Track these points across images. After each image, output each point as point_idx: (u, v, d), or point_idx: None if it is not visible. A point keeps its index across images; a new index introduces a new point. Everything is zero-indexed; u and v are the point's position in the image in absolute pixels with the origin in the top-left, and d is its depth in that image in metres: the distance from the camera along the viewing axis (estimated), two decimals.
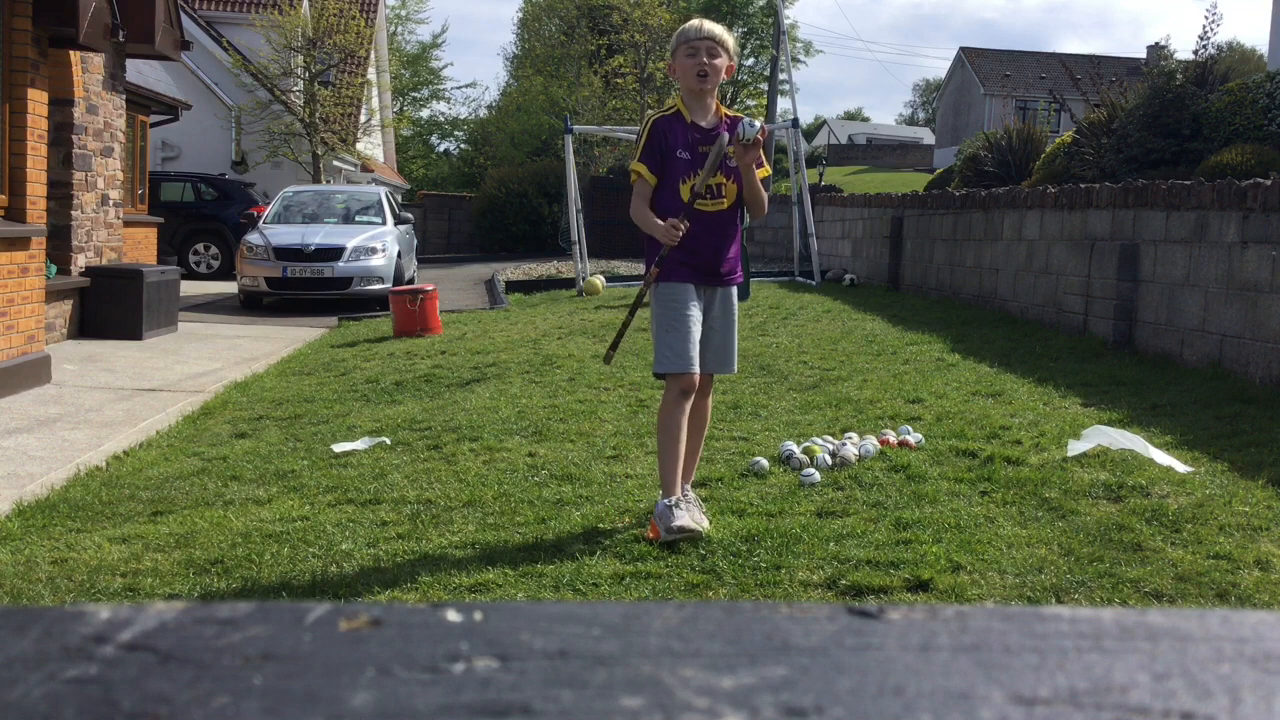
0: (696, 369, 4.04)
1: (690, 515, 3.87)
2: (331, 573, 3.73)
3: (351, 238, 14.07)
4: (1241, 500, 4.09)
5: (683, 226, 3.99)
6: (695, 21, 4.18)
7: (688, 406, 4.05)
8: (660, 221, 4.04)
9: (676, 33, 4.18)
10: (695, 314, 4.11)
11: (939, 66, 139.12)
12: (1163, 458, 4.59)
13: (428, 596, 3.49)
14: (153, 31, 10.11)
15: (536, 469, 4.97)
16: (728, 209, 4.16)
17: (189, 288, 15.13)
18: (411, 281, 14.94)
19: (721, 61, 4.08)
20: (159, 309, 10.35)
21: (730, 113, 4.21)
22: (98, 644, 0.48)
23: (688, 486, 4.17)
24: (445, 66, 68.32)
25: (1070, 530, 3.87)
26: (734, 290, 4.28)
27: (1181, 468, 4.49)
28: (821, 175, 42.63)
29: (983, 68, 52.03)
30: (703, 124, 4.12)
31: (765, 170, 4.14)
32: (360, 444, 5.60)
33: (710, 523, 4.02)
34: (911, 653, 0.48)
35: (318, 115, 23.96)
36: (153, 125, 14.32)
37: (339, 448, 5.51)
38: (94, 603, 1.52)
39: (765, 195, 4.20)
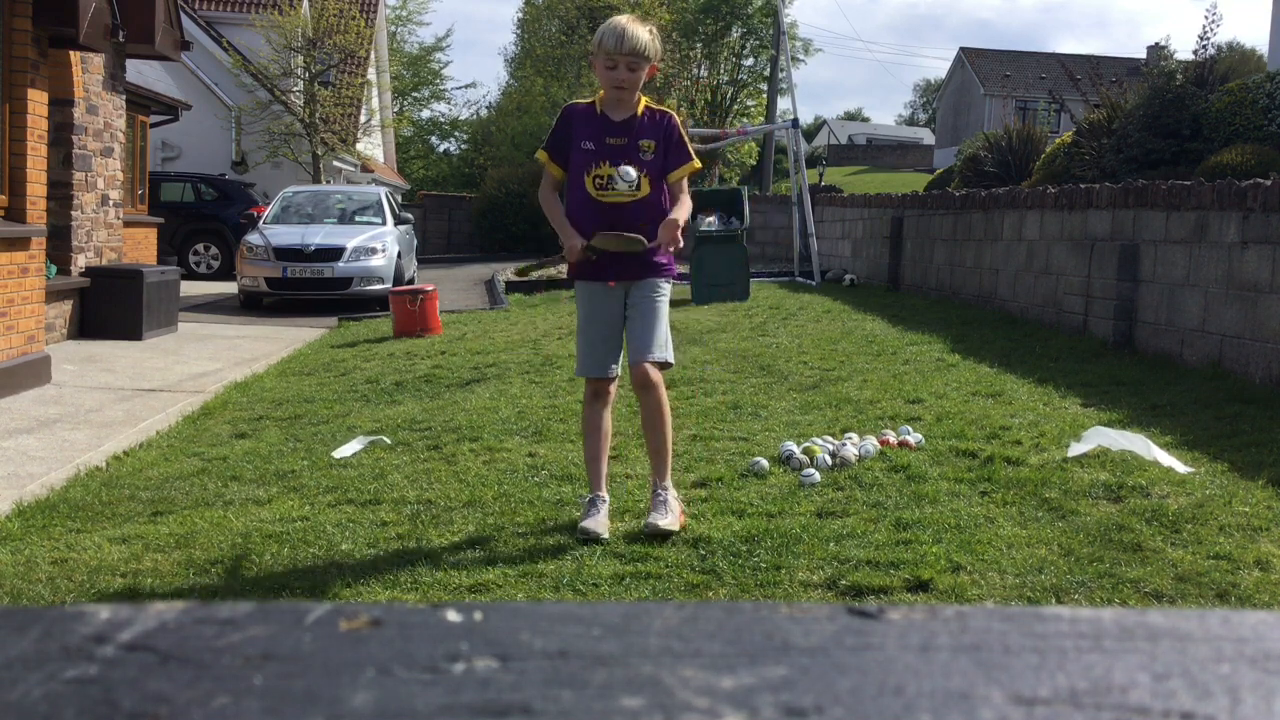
0: (604, 373, 4.20)
1: (597, 520, 3.99)
2: (331, 573, 3.73)
3: (351, 238, 14.07)
4: (1241, 500, 4.09)
5: (588, 257, 4.07)
6: (618, 28, 4.00)
7: (602, 407, 4.23)
8: (569, 227, 4.14)
9: (600, 31, 4.07)
10: (603, 315, 4.18)
11: (935, 66, 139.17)
12: (1164, 458, 4.59)
13: (428, 596, 3.49)
14: (153, 31, 10.11)
15: (536, 469, 4.97)
16: (642, 200, 4.09)
17: (189, 288, 15.13)
18: (411, 282, 14.94)
19: (641, 73, 4.04)
20: (159, 309, 10.35)
21: (655, 107, 4.20)
22: (98, 644, 0.48)
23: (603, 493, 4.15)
24: (445, 66, 68.34)
25: (1070, 530, 3.87)
26: (656, 281, 4.16)
27: (1182, 468, 4.49)
28: (821, 175, 42.68)
29: (983, 68, 52.05)
30: (614, 117, 4.11)
31: (694, 164, 4.16)
32: (357, 444, 5.60)
33: (677, 524, 4.00)
34: (911, 653, 0.48)
35: (318, 115, 23.96)
36: (153, 125, 14.32)
37: (340, 453, 5.48)
38: (94, 603, 1.52)
39: (687, 203, 4.17)
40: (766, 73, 36.44)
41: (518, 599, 3.41)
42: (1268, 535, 3.77)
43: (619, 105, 4.11)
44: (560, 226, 4.18)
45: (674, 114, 4.26)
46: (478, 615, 0.51)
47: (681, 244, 4.07)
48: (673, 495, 4.09)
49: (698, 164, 4.21)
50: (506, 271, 18.03)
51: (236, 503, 4.66)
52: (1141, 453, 4.61)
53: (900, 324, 9.19)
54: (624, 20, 4.08)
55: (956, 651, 0.48)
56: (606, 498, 4.14)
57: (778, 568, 3.60)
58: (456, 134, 47.11)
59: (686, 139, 4.20)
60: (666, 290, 4.22)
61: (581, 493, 4.53)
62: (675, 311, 7.09)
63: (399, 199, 22.34)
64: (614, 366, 4.23)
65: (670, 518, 3.96)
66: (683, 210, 4.10)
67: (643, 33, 4.04)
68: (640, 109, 4.14)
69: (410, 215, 16.62)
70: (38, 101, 7.64)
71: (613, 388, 4.27)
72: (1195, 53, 12.67)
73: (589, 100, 4.22)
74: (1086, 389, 6.26)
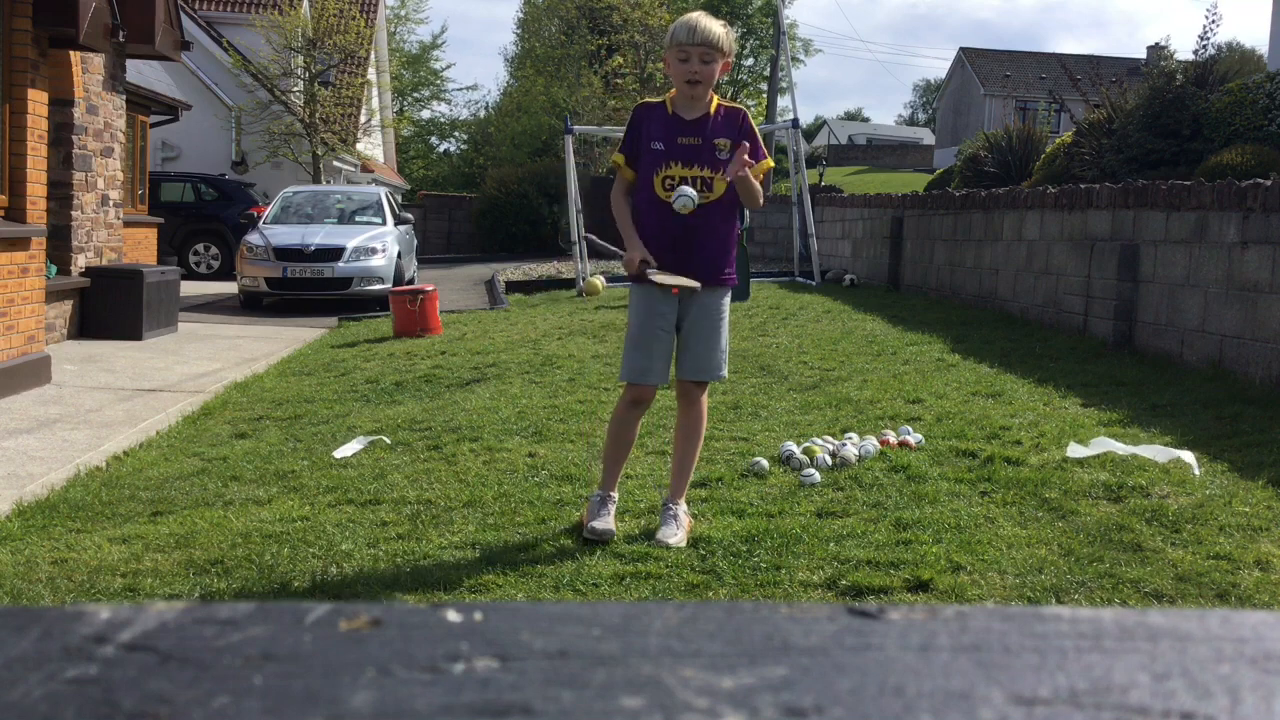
0: (651, 382, 4.09)
1: (606, 521, 3.98)
2: (331, 573, 3.73)
3: (351, 238, 14.06)
4: (1241, 500, 4.09)
5: (650, 265, 3.94)
6: (690, 20, 3.95)
7: (639, 415, 4.19)
8: (635, 237, 4.01)
9: (671, 27, 4.00)
10: (662, 324, 4.03)
11: (935, 66, 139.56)
12: (1175, 452, 4.56)
13: (428, 596, 3.49)
14: (153, 32, 10.11)
15: (536, 469, 4.97)
16: (714, 204, 3.98)
17: (189, 288, 15.13)
18: (411, 282, 14.94)
19: (715, 66, 3.93)
20: (159, 309, 10.35)
21: (727, 104, 4.07)
22: (98, 644, 0.48)
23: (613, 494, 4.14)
24: (447, 67, 68.36)
25: (1070, 530, 3.87)
26: (719, 291, 4.07)
27: (1197, 469, 4.46)
28: (821, 175, 42.63)
29: (983, 68, 52.03)
30: (685, 116, 3.99)
31: (768, 162, 4.02)
32: (358, 444, 5.60)
33: (691, 527, 3.99)
34: (911, 653, 0.48)
35: (318, 115, 23.96)
36: (153, 125, 14.32)
37: (340, 453, 5.49)
38: (94, 603, 1.51)
39: (759, 191, 4.00)
40: (766, 73, 36.46)
41: (518, 599, 3.41)
42: (1268, 535, 3.77)
43: (691, 102, 3.97)
44: (627, 234, 4.05)
45: (747, 111, 4.12)
46: (478, 615, 0.51)
47: (750, 176, 3.84)
48: (683, 510, 4.06)
49: (771, 162, 4.07)
50: (506, 271, 18.03)
51: (236, 503, 4.66)
52: (1157, 458, 4.58)
53: (900, 324, 9.19)
54: (696, 14, 4.01)
55: (956, 651, 0.48)
56: (616, 498, 4.14)
57: (778, 568, 3.60)
58: (456, 134, 47.12)
59: (759, 136, 4.06)
60: (728, 301, 4.14)
61: (582, 492, 4.53)
62: None
63: (399, 199, 22.35)
64: (664, 375, 4.11)
65: (680, 534, 3.93)
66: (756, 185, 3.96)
67: (715, 25, 3.96)
68: (714, 107, 4.02)
69: (410, 215, 16.61)
70: (38, 101, 7.64)
71: (652, 395, 4.20)
72: (1195, 53, 12.67)
73: (659, 99, 4.10)
74: (1086, 389, 6.26)
